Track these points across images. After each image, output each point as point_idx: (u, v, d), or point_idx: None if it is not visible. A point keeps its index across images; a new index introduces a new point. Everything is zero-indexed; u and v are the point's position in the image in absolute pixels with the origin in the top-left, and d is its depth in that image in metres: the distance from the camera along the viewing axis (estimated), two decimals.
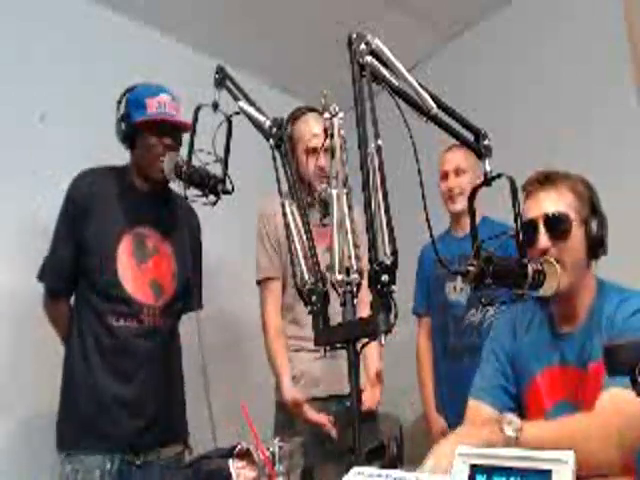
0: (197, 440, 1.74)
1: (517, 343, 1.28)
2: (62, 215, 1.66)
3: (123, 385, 1.58)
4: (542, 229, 1.18)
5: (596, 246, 1.21)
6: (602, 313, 1.17)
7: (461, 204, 2.00)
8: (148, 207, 1.70)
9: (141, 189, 1.70)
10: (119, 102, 1.67)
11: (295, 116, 1.88)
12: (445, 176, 2.07)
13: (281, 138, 1.24)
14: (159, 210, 1.73)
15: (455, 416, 1.87)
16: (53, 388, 1.63)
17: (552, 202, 1.20)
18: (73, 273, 1.64)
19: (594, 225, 1.20)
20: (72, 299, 1.71)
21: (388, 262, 0.86)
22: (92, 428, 1.54)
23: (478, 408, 1.23)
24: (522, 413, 1.19)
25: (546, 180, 1.23)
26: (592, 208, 1.22)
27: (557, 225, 1.18)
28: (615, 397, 0.99)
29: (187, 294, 1.77)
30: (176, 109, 1.66)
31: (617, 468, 0.98)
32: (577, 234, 1.19)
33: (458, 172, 2.03)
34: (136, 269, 1.63)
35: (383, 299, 0.86)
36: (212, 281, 2.59)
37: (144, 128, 1.62)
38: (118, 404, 1.56)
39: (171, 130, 1.64)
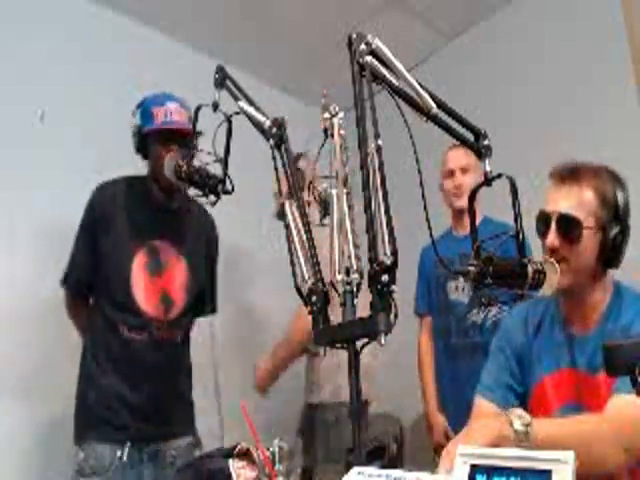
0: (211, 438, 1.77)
1: (528, 341, 1.26)
2: (82, 224, 1.70)
3: (130, 391, 1.62)
4: (553, 227, 1.16)
5: (608, 256, 1.16)
6: (617, 322, 1.15)
7: (465, 201, 2.00)
8: (164, 219, 1.74)
9: (158, 199, 1.74)
10: (133, 115, 1.71)
11: None
12: (450, 174, 2.08)
13: (281, 138, 1.24)
14: (175, 220, 1.76)
15: (456, 416, 1.87)
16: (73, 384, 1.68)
17: (569, 202, 1.16)
18: (92, 279, 1.70)
19: (612, 233, 1.15)
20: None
21: (388, 262, 0.86)
22: (102, 423, 1.59)
23: (484, 406, 1.22)
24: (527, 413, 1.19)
25: (570, 175, 1.18)
26: (616, 213, 1.16)
27: (568, 227, 1.15)
28: (625, 401, 0.99)
29: (200, 302, 1.81)
30: (182, 115, 1.68)
31: (622, 470, 0.99)
32: (590, 239, 1.15)
33: (464, 170, 2.05)
34: (148, 282, 1.67)
35: (383, 299, 0.86)
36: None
37: (152, 138, 1.66)
38: (125, 407, 1.61)
39: (176, 137, 1.66)
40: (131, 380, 1.62)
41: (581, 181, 1.17)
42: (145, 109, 1.67)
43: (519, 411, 0.95)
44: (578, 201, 1.16)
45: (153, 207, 1.73)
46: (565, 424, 1.00)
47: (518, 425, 0.92)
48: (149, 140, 1.67)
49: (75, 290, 1.75)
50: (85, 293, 1.74)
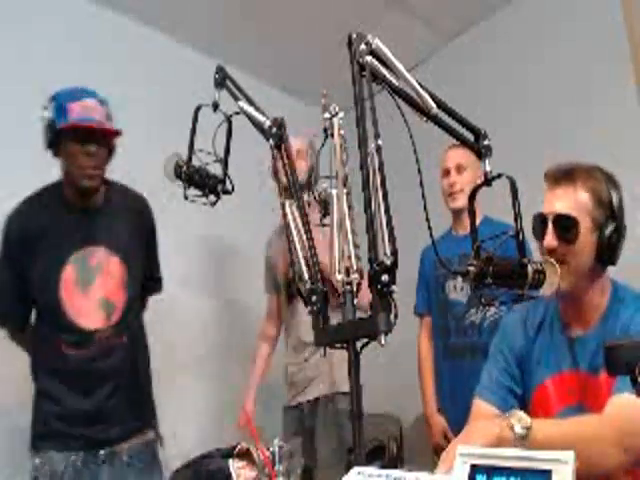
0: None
1: (528, 344, 1.26)
2: (2, 257, 1.62)
3: (83, 401, 1.59)
4: (550, 228, 1.17)
5: (605, 254, 1.17)
6: (617, 320, 1.15)
7: (461, 201, 2.00)
8: (86, 221, 1.64)
9: (75, 203, 1.63)
10: (45, 108, 1.57)
11: None
12: (446, 173, 2.07)
13: (281, 138, 1.24)
14: (98, 219, 1.66)
15: (456, 416, 1.87)
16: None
17: (565, 202, 1.17)
18: (21, 308, 1.65)
19: (608, 232, 1.16)
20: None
21: (388, 262, 0.86)
22: (58, 434, 1.57)
23: (483, 407, 1.22)
24: (528, 415, 1.19)
25: (565, 176, 1.19)
26: (611, 213, 1.17)
27: (565, 227, 1.16)
28: (625, 401, 0.99)
29: (145, 288, 1.80)
30: (102, 114, 1.57)
31: (622, 471, 0.99)
32: (587, 239, 1.16)
33: (459, 169, 2.03)
34: (81, 295, 1.59)
35: (383, 299, 0.86)
36: (209, 281, 2.59)
37: (67, 136, 1.53)
38: (79, 417, 1.58)
39: (96, 137, 1.55)
40: (79, 391, 1.59)
41: (576, 182, 1.18)
42: (60, 103, 1.54)
43: (519, 413, 0.95)
44: (574, 202, 1.17)
45: (71, 213, 1.63)
46: (565, 425, 0.99)
47: (518, 428, 0.92)
48: (63, 137, 1.53)
49: (7, 324, 1.70)
50: (16, 324, 1.69)
